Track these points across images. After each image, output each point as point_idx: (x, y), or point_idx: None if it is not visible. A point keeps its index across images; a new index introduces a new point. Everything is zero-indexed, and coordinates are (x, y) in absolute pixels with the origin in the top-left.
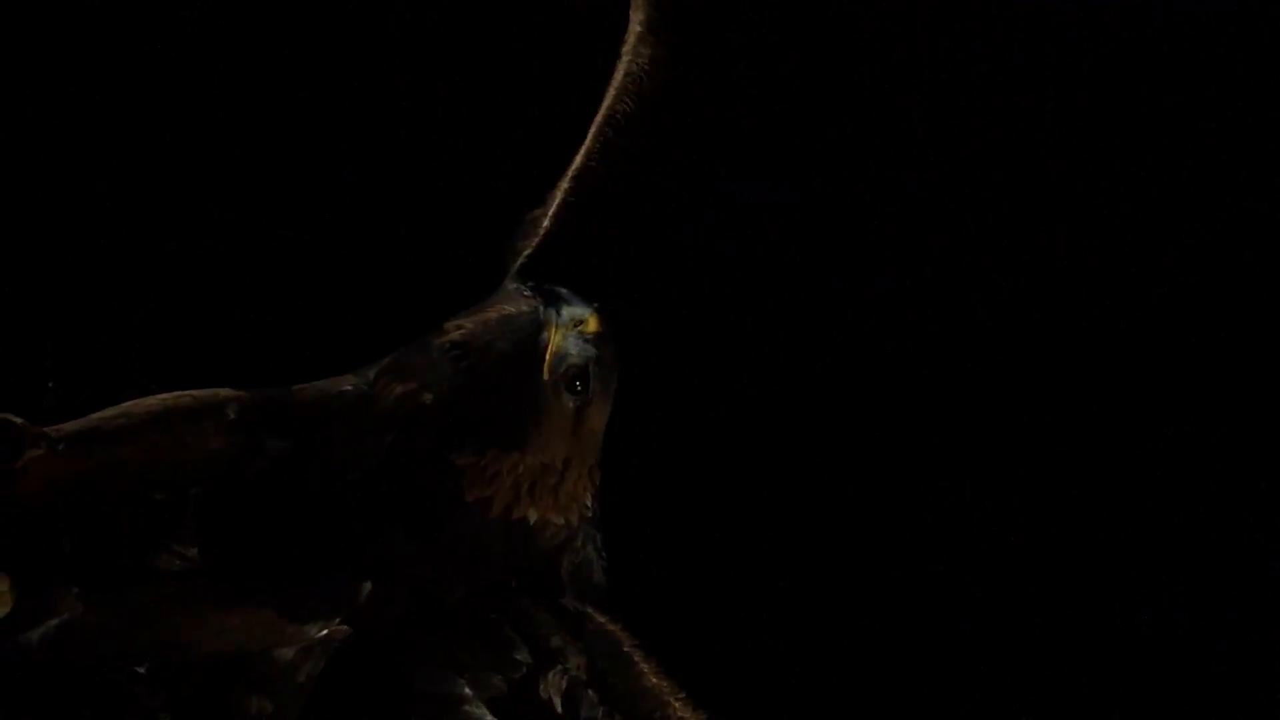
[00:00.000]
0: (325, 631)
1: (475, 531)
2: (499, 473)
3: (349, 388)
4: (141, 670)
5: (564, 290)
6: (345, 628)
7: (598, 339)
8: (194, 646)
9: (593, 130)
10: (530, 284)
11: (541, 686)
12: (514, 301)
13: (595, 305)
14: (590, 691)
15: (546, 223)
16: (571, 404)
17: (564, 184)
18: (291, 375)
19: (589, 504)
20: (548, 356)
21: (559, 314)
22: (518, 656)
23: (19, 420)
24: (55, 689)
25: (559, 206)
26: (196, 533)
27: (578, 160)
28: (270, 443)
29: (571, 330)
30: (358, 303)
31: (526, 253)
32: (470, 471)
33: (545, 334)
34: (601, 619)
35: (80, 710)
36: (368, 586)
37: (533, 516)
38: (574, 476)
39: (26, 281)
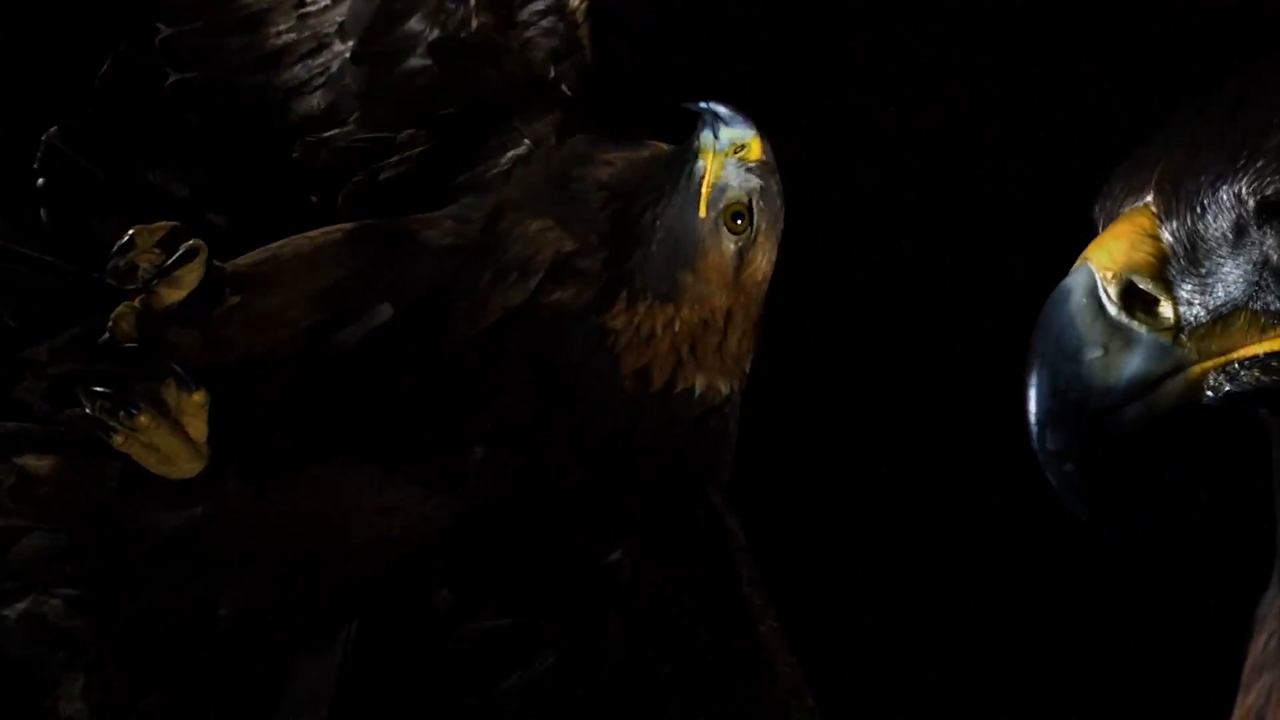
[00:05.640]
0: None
1: (620, 405)
2: (654, 332)
3: (449, 238)
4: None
5: (723, 109)
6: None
7: (762, 167)
8: (347, 534)
9: None
10: (681, 103)
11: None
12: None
13: (759, 128)
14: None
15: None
16: (732, 245)
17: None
18: None
19: (747, 370)
20: (704, 189)
21: (717, 137)
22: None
23: (220, 263)
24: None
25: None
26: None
27: None
28: (387, 296)
29: (731, 157)
30: None
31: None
32: (623, 334)
33: (701, 162)
34: (716, 500)
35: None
36: (480, 451)
37: (699, 386)
38: (737, 333)
39: None
